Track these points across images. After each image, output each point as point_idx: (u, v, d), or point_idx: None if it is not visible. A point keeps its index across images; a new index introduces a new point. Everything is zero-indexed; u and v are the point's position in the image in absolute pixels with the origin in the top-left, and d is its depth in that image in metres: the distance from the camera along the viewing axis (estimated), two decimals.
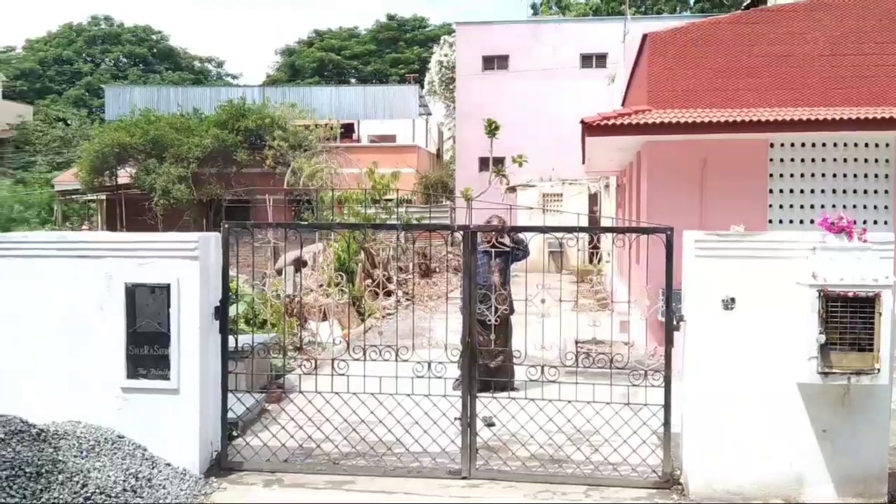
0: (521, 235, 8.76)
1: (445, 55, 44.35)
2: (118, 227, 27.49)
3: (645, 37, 10.90)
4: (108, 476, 5.31)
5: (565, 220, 13.93)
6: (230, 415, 6.34)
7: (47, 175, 35.45)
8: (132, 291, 5.91)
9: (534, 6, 49.55)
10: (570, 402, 6.07)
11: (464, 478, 6.01)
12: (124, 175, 29.68)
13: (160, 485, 5.56)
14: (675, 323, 5.83)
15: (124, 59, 63.82)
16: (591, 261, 21.97)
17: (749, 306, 5.51)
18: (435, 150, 42.97)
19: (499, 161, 26.15)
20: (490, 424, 6.83)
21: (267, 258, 15.25)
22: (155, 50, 64.93)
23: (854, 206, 9.94)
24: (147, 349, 5.90)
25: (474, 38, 33.38)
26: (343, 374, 6.24)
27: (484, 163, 29.70)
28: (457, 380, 6.46)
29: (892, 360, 5.32)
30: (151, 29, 65.52)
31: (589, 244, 21.98)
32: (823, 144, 10.03)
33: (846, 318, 5.23)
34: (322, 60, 62.26)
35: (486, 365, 7.73)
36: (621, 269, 15.02)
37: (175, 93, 38.83)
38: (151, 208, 27.48)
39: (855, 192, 10.02)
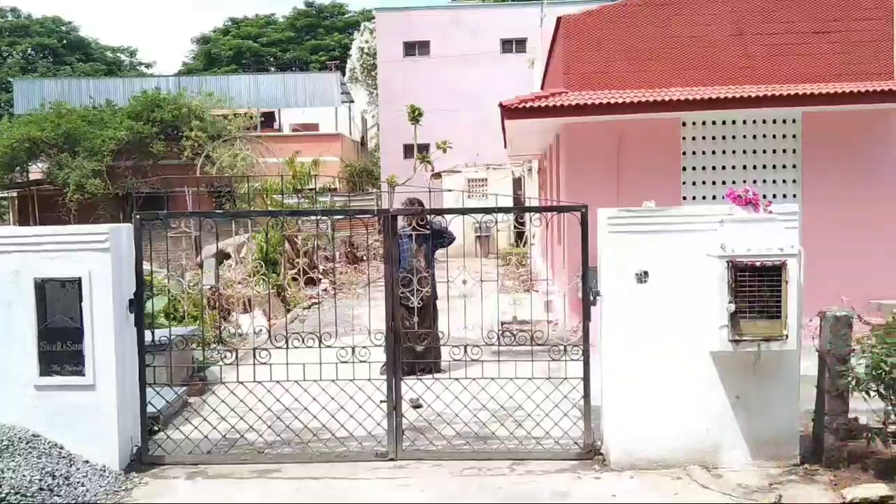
0: (443, 224, 8.80)
1: (366, 42, 44.04)
2: (31, 225, 26.52)
3: (559, 20, 11.02)
4: (24, 476, 5.17)
5: (491, 203, 14.04)
6: (150, 409, 6.21)
7: None
8: (42, 286, 5.74)
9: None
10: (492, 379, 6.15)
11: (391, 459, 6.03)
12: (36, 171, 28.63)
13: (78, 482, 5.43)
14: (591, 298, 5.95)
15: (33, 52, 61.25)
16: (517, 244, 22.21)
17: (662, 279, 5.65)
18: (359, 137, 42.68)
19: (423, 147, 26.11)
20: (417, 406, 6.88)
21: (183, 250, 14.92)
22: (65, 41, 62.34)
23: (764, 181, 10.27)
24: (60, 345, 5.75)
25: (394, 24, 33.22)
26: (266, 364, 6.18)
27: (409, 150, 29.60)
28: (384, 364, 6.47)
29: (800, 326, 5.54)
30: (61, 20, 62.82)
31: (515, 227, 22.32)
32: (734, 122, 10.31)
33: (755, 287, 5.41)
34: (239, 48, 60.86)
35: (413, 348, 7.76)
36: (545, 250, 15.22)
37: (87, 84, 37.37)
38: (65, 204, 26.61)
39: (765, 167, 10.34)
